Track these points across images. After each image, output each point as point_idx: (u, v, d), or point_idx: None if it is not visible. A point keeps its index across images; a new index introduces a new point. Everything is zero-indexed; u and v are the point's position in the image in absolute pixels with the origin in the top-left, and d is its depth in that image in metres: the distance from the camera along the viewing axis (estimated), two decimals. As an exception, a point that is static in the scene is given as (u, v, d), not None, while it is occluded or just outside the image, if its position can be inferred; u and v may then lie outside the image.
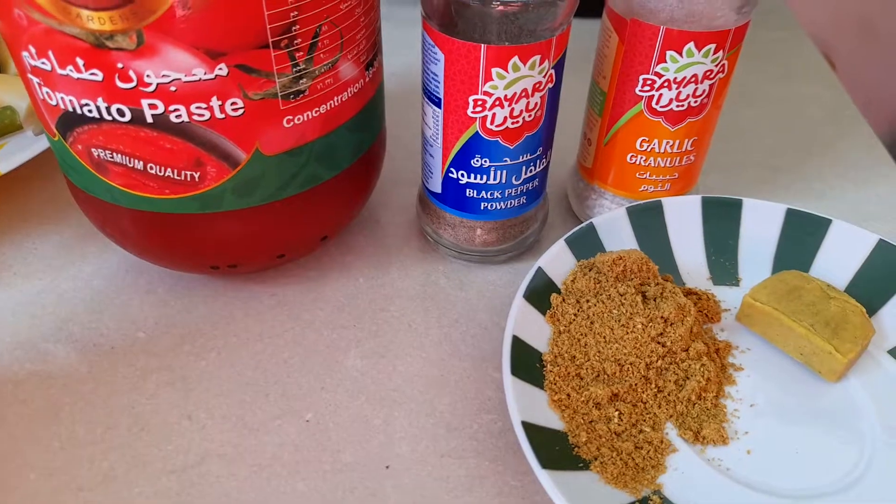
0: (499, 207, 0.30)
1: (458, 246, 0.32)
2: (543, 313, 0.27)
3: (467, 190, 0.29)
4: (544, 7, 0.24)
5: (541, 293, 0.28)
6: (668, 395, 0.25)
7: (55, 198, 0.34)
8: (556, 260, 0.29)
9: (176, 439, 0.25)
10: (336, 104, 0.26)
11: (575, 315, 0.27)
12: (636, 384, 0.25)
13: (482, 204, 0.30)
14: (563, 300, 0.28)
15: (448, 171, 0.29)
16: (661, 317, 0.27)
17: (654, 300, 0.27)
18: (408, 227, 0.34)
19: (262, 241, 0.28)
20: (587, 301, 0.27)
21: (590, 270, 0.28)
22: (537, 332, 0.27)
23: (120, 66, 0.22)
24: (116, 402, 0.26)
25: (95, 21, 0.21)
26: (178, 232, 0.27)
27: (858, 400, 0.26)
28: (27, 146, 0.31)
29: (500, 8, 0.24)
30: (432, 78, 0.27)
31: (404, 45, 0.45)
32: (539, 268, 0.28)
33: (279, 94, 0.24)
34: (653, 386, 0.26)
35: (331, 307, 0.30)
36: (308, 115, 0.25)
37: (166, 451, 0.24)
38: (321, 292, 0.30)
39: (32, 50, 0.23)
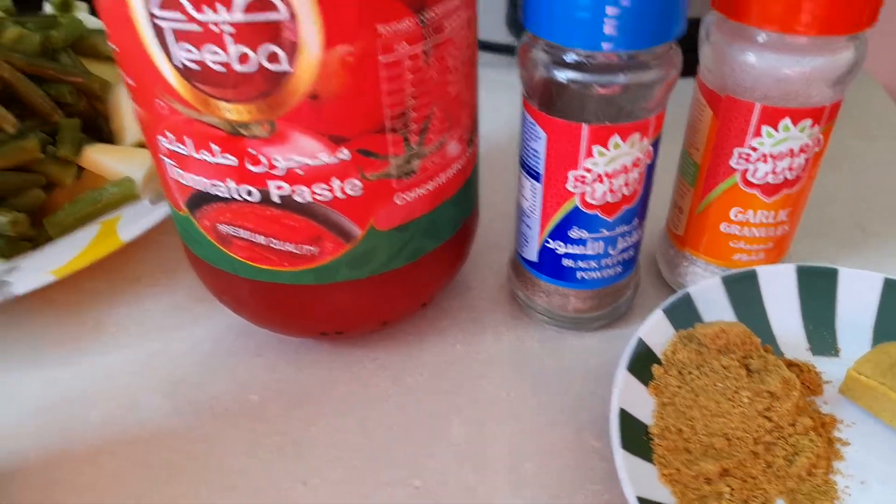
0: (594, 277, 0.30)
1: (552, 312, 0.32)
2: (646, 384, 0.28)
3: (564, 260, 0.30)
4: (642, 90, 0.25)
5: (642, 364, 0.28)
6: (778, 470, 0.25)
7: (166, 262, 0.36)
8: (655, 330, 0.29)
9: (291, 504, 0.25)
10: (442, 181, 0.28)
11: (678, 387, 0.27)
12: (745, 459, 0.25)
13: (578, 273, 0.30)
14: (666, 371, 0.28)
15: (545, 241, 0.30)
16: (767, 391, 0.27)
17: (759, 373, 0.27)
18: (498, 290, 0.35)
19: (369, 310, 0.30)
20: (690, 373, 0.28)
21: (690, 342, 0.29)
22: (641, 403, 0.27)
23: (252, 151, 0.24)
24: (232, 464, 0.27)
25: (233, 112, 0.23)
26: (293, 301, 0.28)
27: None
28: (144, 214, 0.33)
29: (600, 91, 0.25)
30: (532, 154, 0.28)
31: (491, 108, 0.46)
32: (640, 339, 0.28)
33: (393, 175, 0.26)
34: (761, 461, 0.26)
35: (430, 372, 0.31)
36: (417, 193, 0.27)
37: (282, 516, 0.25)
38: (420, 357, 0.31)
39: (170, 136, 0.25)
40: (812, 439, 0.26)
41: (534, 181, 0.29)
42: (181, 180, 0.26)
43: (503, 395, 0.30)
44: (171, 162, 0.26)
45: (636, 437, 0.26)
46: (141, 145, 0.37)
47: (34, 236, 0.32)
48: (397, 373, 0.31)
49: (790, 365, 0.29)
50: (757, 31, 0.26)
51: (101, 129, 0.37)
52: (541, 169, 0.28)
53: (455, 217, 0.29)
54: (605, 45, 0.24)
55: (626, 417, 0.26)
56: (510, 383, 0.30)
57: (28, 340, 0.32)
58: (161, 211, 0.33)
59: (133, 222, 0.32)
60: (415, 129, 0.25)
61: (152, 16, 0.21)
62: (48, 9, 0.44)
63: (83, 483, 0.27)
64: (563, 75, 0.25)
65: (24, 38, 0.36)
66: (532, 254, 0.31)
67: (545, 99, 0.27)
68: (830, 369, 0.30)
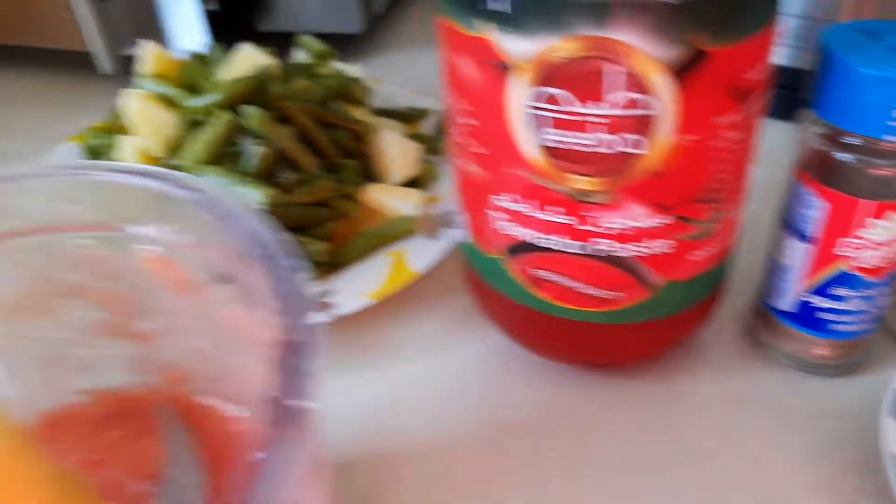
0: (848, 329, 0.33)
1: (795, 357, 0.35)
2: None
3: (820, 313, 0.33)
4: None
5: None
6: None
7: (434, 289, 0.41)
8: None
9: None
10: (725, 241, 0.31)
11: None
12: None
13: (832, 325, 0.33)
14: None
15: (803, 295, 0.33)
16: None
17: None
18: (737, 332, 0.38)
19: (641, 348, 0.33)
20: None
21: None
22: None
23: (588, 214, 0.28)
24: (515, 480, 0.31)
25: (582, 183, 0.27)
26: (578, 335, 0.32)
27: None
28: (427, 248, 0.37)
29: (881, 172, 0.28)
30: (801, 218, 0.31)
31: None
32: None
33: (696, 236, 0.29)
34: None
35: (685, 407, 0.34)
36: (709, 250, 0.30)
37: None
38: (676, 392, 0.35)
39: (509, 196, 0.29)
40: None
41: (800, 243, 0.32)
42: (507, 232, 0.30)
43: (756, 430, 0.33)
44: (501, 216, 0.30)
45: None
46: (404, 185, 0.42)
47: (331, 262, 0.37)
48: (658, 404, 0.34)
49: None
50: None
51: (367, 168, 0.42)
52: (809, 233, 0.31)
53: (724, 269, 0.33)
54: (888, 137, 0.27)
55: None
56: (762, 422, 0.33)
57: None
58: (443, 246, 0.37)
59: (419, 255, 0.37)
60: (720, 199, 0.29)
61: (531, 107, 0.26)
62: (298, 55, 0.50)
63: (403, 479, 0.31)
64: (844, 156, 0.29)
65: (310, 88, 0.41)
66: (785, 305, 0.34)
67: (822, 172, 0.30)
68: None
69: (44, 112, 0.62)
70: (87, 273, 0.23)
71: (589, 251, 0.29)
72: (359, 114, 0.45)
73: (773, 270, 0.34)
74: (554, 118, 0.26)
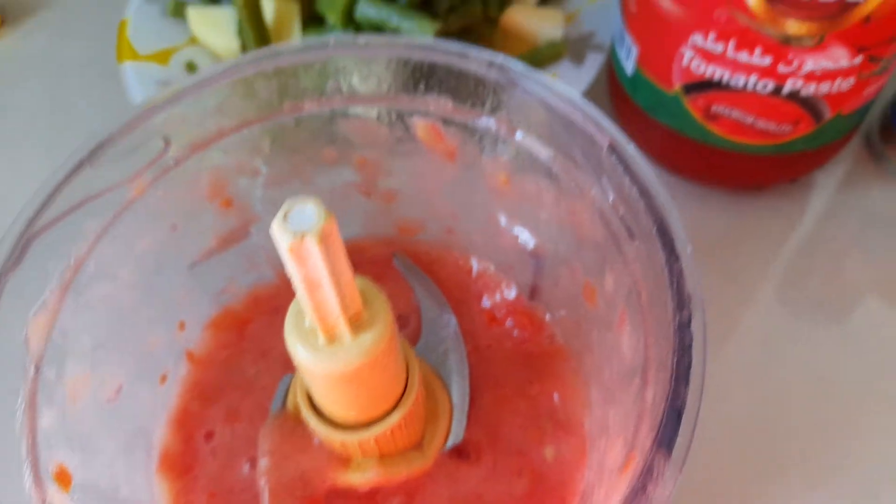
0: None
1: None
2: None
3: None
4: None
5: None
6: None
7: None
8: None
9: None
10: (890, 71, 0.33)
11: None
12: None
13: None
14: None
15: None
16: None
17: None
18: (853, 150, 0.41)
19: (792, 173, 0.36)
20: None
21: None
22: None
23: (790, 56, 0.29)
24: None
25: (795, 27, 0.28)
26: (736, 165, 0.35)
27: None
28: (578, 75, 0.38)
29: None
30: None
31: None
32: None
33: (876, 73, 0.31)
34: None
35: (818, 223, 0.38)
36: (877, 85, 0.32)
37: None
38: (804, 209, 0.38)
39: (712, 36, 0.30)
40: None
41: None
42: (696, 70, 0.31)
43: (882, 246, 0.37)
44: (694, 55, 0.31)
45: None
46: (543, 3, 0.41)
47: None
48: (795, 224, 0.38)
49: None
50: None
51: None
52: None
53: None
54: None
55: None
56: (885, 235, 0.37)
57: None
58: (590, 74, 0.38)
59: (568, 82, 0.38)
60: (908, 37, 0.30)
61: (769, -49, 0.26)
62: None
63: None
64: None
65: None
66: (922, 127, 0.37)
67: None
68: None
69: None
70: (355, 143, 0.25)
71: (777, 91, 0.30)
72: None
73: (917, 95, 0.36)
74: (786, -35, 0.26)
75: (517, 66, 0.21)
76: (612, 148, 0.19)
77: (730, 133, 0.33)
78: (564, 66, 0.39)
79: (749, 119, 0.32)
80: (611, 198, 0.20)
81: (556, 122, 0.20)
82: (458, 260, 0.29)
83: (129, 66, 0.40)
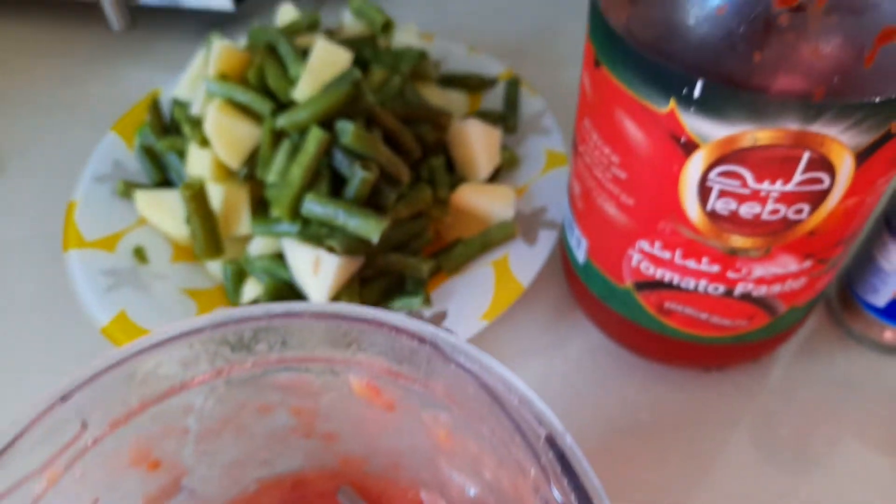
0: (935, 323, 0.36)
1: (871, 339, 0.38)
2: None
3: (914, 310, 0.35)
4: None
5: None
6: None
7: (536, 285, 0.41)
8: None
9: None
10: (840, 264, 0.32)
11: None
12: None
13: (922, 320, 0.36)
14: None
15: (901, 296, 0.35)
16: None
17: None
18: (819, 310, 0.40)
19: (752, 354, 0.35)
20: None
21: None
22: None
23: (738, 265, 0.29)
24: (642, 476, 0.34)
25: (739, 241, 0.28)
26: (701, 353, 0.34)
27: None
28: (528, 255, 0.38)
29: None
30: (917, 234, 0.33)
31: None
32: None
33: (826, 270, 0.30)
34: None
35: (781, 396, 0.37)
36: (829, 276, 0.32)
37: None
38: (772, 381, 0.37)
39: (658, 244, 0.29)
40: None
41: (910, 254, 0.34)
42: (645, 272, 0.31)
43: (846, 413, 0.36)
44: (640, 258, 0.30)
45: None
46: (492, 180, 0.41)
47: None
48: (758, 398, 0.37)
49: None
50: None
51: (447, 159, 0.41)
52: (924, 248, 0.33)
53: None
54: None
55: None
56: (849, 403, 0.36)
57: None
58: (544, 253, 0.38)
59: (521, 263, 0.37)
60: (854, 236, 0.30)
61: (705, 178, 0.26)
62: (347, 18, 0.46)
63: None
64: None
65: (387, 80, 0.39)
66: (879, 301, 0.36)
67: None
68: None
69: (54, 66, 0.58)
70: (289, 395, 0.24)
71: (728, 292, 0.30)
72: (427, 92, 0.43)
73: (872, 270, 0.36)
74: (725, 190, 0.26)
75: (450, 344, 0.20)
76: (550, 440, 0.19)
77: (685, 327, 0.32)
78: (517, 246, 0.38)
79: (703, 315, 0.32)
80: (552, 489, 0.19)
81: (491, 402, 0.19)
82: (406, 492, 0.27)
83: (74, 255, 0.39)
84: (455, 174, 0.42)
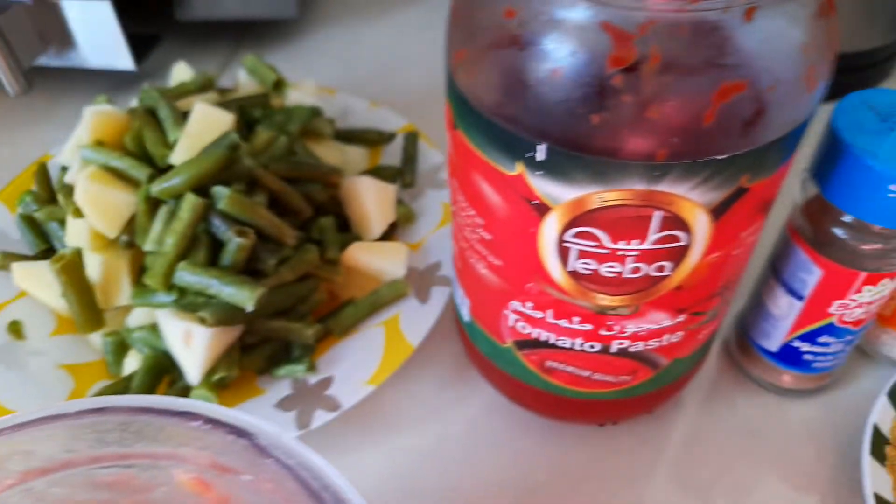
0: (827, 365, 0.36)
1: (771, 384, 0.38)
2: (881, 463, 0.34)
3: (805, 355, 0.35)
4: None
5: (876, 445, 0.34)
6: None
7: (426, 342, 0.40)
8: (882, 413, 0.35)
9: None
10: (726, 310, 0.32)
11: (911, 468, 0.33)
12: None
13: (814, 363, 0.35)
14: (898, 453, 0.34)
15: (790, 342, 0.35)
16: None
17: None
18: (716, 355, 0.40)
19: (645, 407, 0.35)
20: (920, 455, 0.34)
21: (914, 424, 0.34)
22: (883, 483, 0.33)
23: (610, 323, 0.28)
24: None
25: (607, 300, 0.27)
26: (588, 408, 0.33)
27: None
28: (420, 314, 0.37)
29: (878, 248, 0.30)
30: (799, 280, 0.33)
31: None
32: (875, 426, 0.34)
33: (706, 322, 0.30)
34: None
35: (680, 444, 0.36)
36: (713, 326, 0.31)
37: None
38: (669, 432, 0.37)
39: (529, 304, 0.29)
40: None
41: (794, 299, 0.33)
42: (522, 331, 0.30)
43: (747, 459, 0.35)
44: (516, 318, 0.30)
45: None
46: (384, 237, 0.40)
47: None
48: (657, 447, 0.36)
49: None
50: None
51: (337, 216, 0.40)
52: (805, 294, 0.33)
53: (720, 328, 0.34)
54: (887, 225, 0.28)
55: (880, 501, 0.32)
56: (750, 448, 0.36)
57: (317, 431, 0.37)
58: (435, 311, 0.37)
59: (413, 322, 0.36)
60: (730, 288, 0.29)
61: (563, 240, 0.25)
62: (242, 76, 0.46)
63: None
64: (839, 232, 0.30)
65: (273, 141, 0.38)
66: (772, 346, 0.36)
67: (817, 238, 0.31)
68: None
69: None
70: (117, 491, 0.22)
71: (604, 350, 0.29)
72: (322, 149, 0.43)
73: (762, 315, 0.36)
74: (583, 251, 0.25)
75: (269, 438, 0.19)
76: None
77: (569, 384, 0.32)
78: (409, 304, 0.37)
79: (585, 373, 0.31)
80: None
81: (308, 500, 0.18)
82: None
83: (-55, 335, 0.37)
84: (351, 232, 0.41)
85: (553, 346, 0.30)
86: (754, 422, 0.37)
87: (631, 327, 0.28)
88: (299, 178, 0.39)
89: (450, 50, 0.25)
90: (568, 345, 0.29)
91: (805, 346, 0.35)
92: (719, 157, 0.22)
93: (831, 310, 0.32)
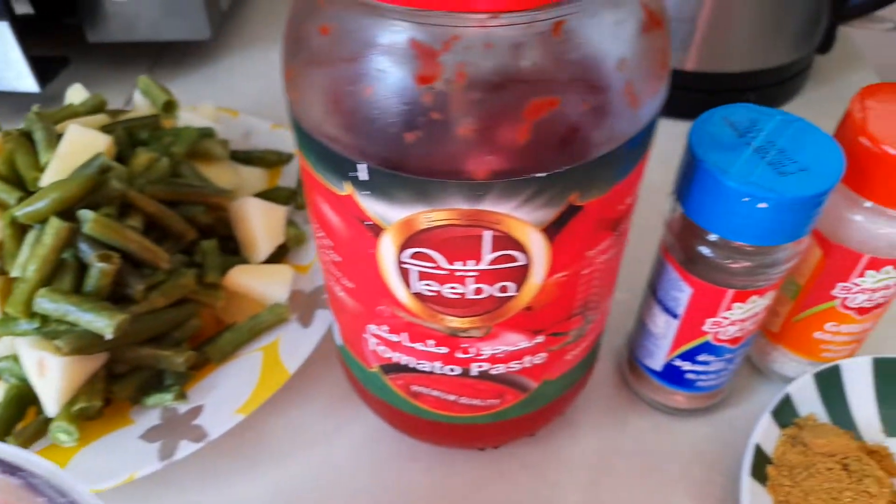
0: (711, 384, 0.35)
1: (662, 403, 0.37)
2: (763, 484, 0.33)
3: (687, 374, 0.35)
4: (777, 265, 0.30)
5: (758, 464, 0.33)
6: (876, 556, 0.31)
7: (306, 369, 0.39)
8: (766, 432, 0.34)
9: None
10: (597, 331, 0.32)
11: (791, 487, 0.33)
12: (850, 550, 0.31)
13: (698, 382, 0.35)
14: (779, 473, 0.33)
15: (671, 360, 0.34)
16: (865, 490, 0.32)
17: (857, 473, 0.33)
18: (610, 378, 0.39)
19: (524, 430, 0.34)
20: (800, 474, 0.33)
21: (796, 442, 0.34)
22: (762, 501, 0.33)
23: (465, 346, 0.27)
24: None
25: (456, 322, 0.26)
26: (464, 433, 0.33)
27: None
28: (300, 339, 0.36)
29: (742, 265, 0.29)
30: (672, 298, 0.32)
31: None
32: (757, 445, 0.33)
33: (570, 342, 0.29)
34: (863, 549, 0.32)
35: (566, 467, 0.36)
36: (582, 346, 0.31)
37: None
38: (558, 454, 0.36)
39: (385, 328, 0.28)
40: (900, 527, 0.32)
41: (670, 317, 0.33)
42: (383, 355, 0.29)
43: (632, 481, 0.35)
44: (376, 342, 0.29)
45: (767, 538, 0.31)
46: (272, 259, 0.40)
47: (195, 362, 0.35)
48: (541, 470, 0.35)
49: (870, 452, 0.35)
50: (865, 200, 0.30)
51: (222, 237, 0.40)
52: (680, 312, 0.32)
53: (598, 345, 0.34)
54: (755, 242, 0.28)
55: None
56: (636, 470, 0.35)
57: (201, 458, 0.36)
58: (316, 336, 0.36)
59: (292, 347, 0.35)
60: (591, 308, 0.29)
61: (401, 261, 0.24)
62: (138, 99, 0.45)
63: None
64: (705, 250, 0.30)
65: (154, 163, 0.38)
66: (656, 365, 0.36)
67: (687, 258, 0.31)
68: (902, 449, 0.36)
69: None
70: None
71: (465, 373, 0.29)
72: (215, 171, 0.42)
73: (645, 334, 0.36)
74: (423, 272, 0.25)
75: (43, 476, 0.18)
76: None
77: (439, 409, 0.31)
78: (291, 329, 0.37)
79: (451, 397, 0.30)
80: None
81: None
82: None
83: None
84: (240, 255, 0.40)
85: (415, 370, 0.29)
86: (645, 443, 0.37)
87: (487, 349, 0.28)
88: (181, 200, 0.38)
89: (283, 67, 0.25)
90: (428, 368, 0.29)
91: (686, 365, 0.34)
92: (539, 175, 0.22)
93: (705, 328, 0.32)
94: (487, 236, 0.23)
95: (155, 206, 0.36)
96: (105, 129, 0.40)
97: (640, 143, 0.24)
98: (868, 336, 0.38)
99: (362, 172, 0.22)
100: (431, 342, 0.27)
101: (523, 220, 0.23)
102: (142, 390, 0.34)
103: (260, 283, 0.37)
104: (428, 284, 0.25)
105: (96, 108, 0.43)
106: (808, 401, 0.36)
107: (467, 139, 0.21)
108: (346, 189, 0.23)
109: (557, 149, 0.21)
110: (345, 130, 0.22)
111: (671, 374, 0.35)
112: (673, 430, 0.37)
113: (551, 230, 0.24)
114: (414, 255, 0.24)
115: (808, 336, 0.36)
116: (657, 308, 0.34)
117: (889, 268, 0.32)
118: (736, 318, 0.31)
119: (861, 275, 0.32)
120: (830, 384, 0.36)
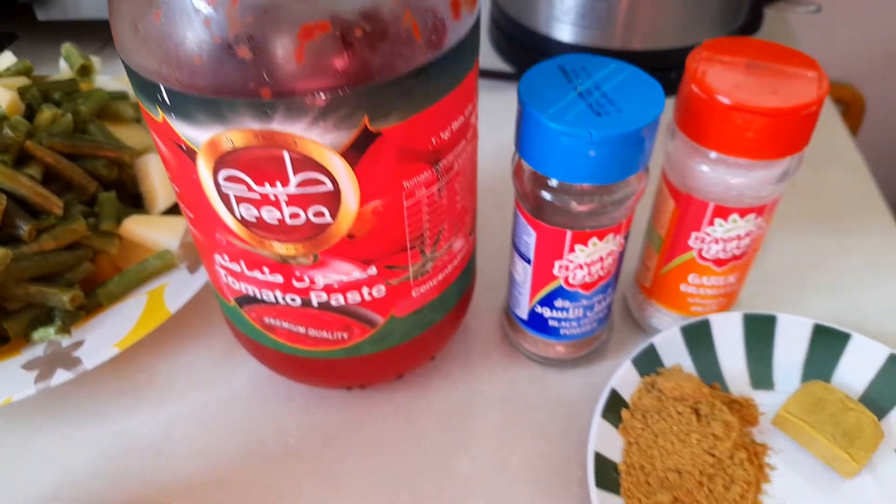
0: (575, 332, 0.36)
1: (539, 354, 0.38)
2: (616, 426, 0.34)
3: (550, 321, 0.36)
4: (614, 206, 0.31)
5: (614, 408, 0.34)
6: (717, 497, 0.32)
7: (202, 315, 0.41)
8: (625, 378, 0.35)
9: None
10: (449, 270, 0.33)
11: (642, 430, 0.34)
12: (692, 489, 0.32)
13: (562, 330, 0.36)
14: (632, 416, 0.34)
15: (534, 307, 0.36)
16: (712, 433, 0.33)
17: (706, 418, 0.34)
18: (493, 331, 0.41)
19: (387, 370, 0.35)
20: (652, 417, 0.34)
21: (652, 389, 0.35)
22: (612, 443, 0.34)
23: (297, 273, 0.29)
24: (282, 500, 0.33)
25: (283, 249, 0.28)
26: (325, 368, 0.34)
27: (870, 493, 0.33)
28: (186, 283, 0.38)
29: (579, 208, 0.31)
30: (524, 243, 0.34)
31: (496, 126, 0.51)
32: (612, 388, 0.35)
33: (411, 277, 0.31)
34: (705, 489, 0.32)
35: (437, 412, 0.37)
36: (429, 285, 0.32)
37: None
38: (430, 400, 0.37)
39: (226, 257, 0.30)
40: (746, 469, 0.33)
41: (525, 263, 0.34)
42: (233, 286, 0.31)
43: (502, 428, 0.36)
44: (224, 273, 0.31)
45: (608, 474, 0.32)
46: (172, 211, 0.42)
47: (86, 304, 0.37)
48: (412, 414, 0.37)
49: (732, 402, 0.36)
50: (710, 150, 0.31)
51: (131, 193, 0.42)
52: (531, 256, 0.34)
53: (460, 290, 0.35)
54: (580, 181, 0.29)
55: (599, 459, 0.32)
56: (505, 417, 0.37)
57: (90, 395, 0.38)
58: (200, 280, 0.38)
59: (177, 291, 0.37)
60: (429, 243, 0.30)
61: (218, 184, 0.26)
62: (63, 65, 0.47)
63: (164, 527, 0.33)
64: (547, 195, 0.31)
65: (58, 118, 0.40)
66: (523, 313, 0.37)
67: (534, 207, 0.32)
68: (766, 401, 0.37)
69: None
70: None
71: (306, 303, 0.30)
72: (125, 131, 0.44)
73: (512, 283, 0.37)
74: (239, 196, 0.26)
75: None
76: None
77: (292, 342, 0.32)
78: (179, 275, 0.38)
79: (301, 329, 0.32)
80: None
81: None
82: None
83: None
84: (143, 209, 0.42)
85: (262, 301, 0.31)
86: (517, 392, 0.38)
87: (320, 278, 0.29)
88: (81, 154, 0.40)
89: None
90: (272, 298, 0.30)
91: (547, 312, 0.36)
92: (320, 95, 0.23)
93: (555, 271, 0.33)
94: (287, 158, 0.25)
95: (53, 157, 0.38)
96: (21, 89, 0.42)
97: (437, 76, 0.25)
98: (738, 295, 0.39)
99: (163, 95, 0.24)
100: (266, 269, 0.29)
101: (319, 142, 0.24)
102: (31, 326, 0.36)
103: (152, 232, 0.39)
104: (248, 209, 0.27)
105: (21, 72, 0.45)
106: (675, 353, 0.37)
107: (249, 59, 0.22)
108: (160, 114, 0.25)
109: (333, 72, 0.23)
110: (143, 54, 0.24)
111: (536, 322, 0.36)
112: (547, 381, 0.38)
113: (350, 155, 0.25)
114: (228, 179, 0.26)
115: (675, 289, 0.37)
116: (516, 255, 0.35)
117: (735, 216, 0.33)
118: (582, 262, 0.33)
119: (710, 223, 0.33)
120: (698, 337, 0.37)
